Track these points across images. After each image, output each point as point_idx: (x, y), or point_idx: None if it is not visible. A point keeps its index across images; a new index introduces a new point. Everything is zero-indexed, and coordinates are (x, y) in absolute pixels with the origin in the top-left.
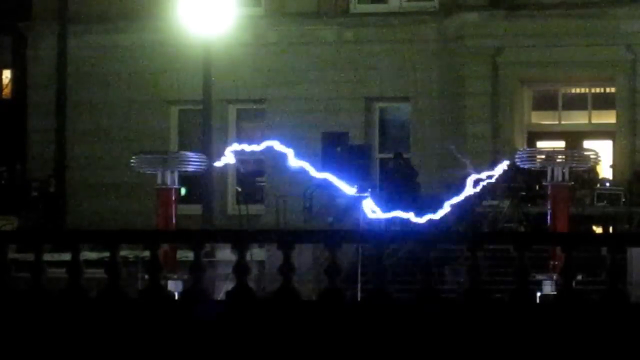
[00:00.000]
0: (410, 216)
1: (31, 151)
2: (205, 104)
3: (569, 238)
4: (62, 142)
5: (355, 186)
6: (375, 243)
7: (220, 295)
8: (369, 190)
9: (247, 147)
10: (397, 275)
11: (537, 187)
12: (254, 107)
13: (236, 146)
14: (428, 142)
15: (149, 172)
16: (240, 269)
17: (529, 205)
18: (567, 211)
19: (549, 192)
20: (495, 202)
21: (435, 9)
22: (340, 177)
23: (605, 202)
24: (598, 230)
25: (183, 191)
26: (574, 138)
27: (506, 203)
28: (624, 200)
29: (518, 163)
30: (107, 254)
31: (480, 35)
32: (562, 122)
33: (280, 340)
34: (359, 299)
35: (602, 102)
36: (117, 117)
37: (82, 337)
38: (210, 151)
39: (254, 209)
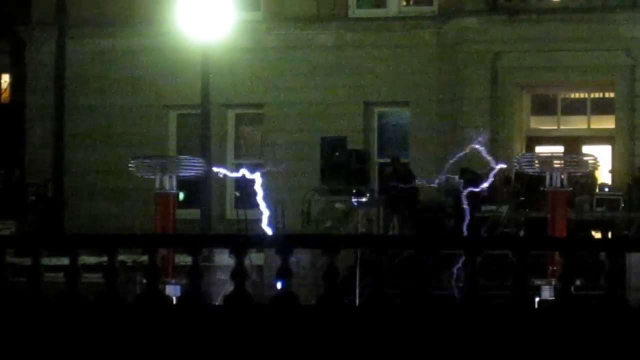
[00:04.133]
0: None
1: (29, 155)
2: (203, 108)
3: (568, 243)
4: (60, 147)
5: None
6: (373, 248)
7: (218, 300)
8: (367, 194)
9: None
10: (395, 280)
11: (536, 192)
12: (253, 111)
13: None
14: (427, 146)
15: (147, 176)
16: (238, 273)
17: (528, 210)
18: (566, 216)
19: (547, 197)
20: (494, 207)
21: (434, 13)
22: (339, 182)
23: (604, 207)
24: (597, 235)
25: (181, 196)
26: (573, 143)
27: (505, 208)
28: (623, 205)
29: (517, 168)
30: (105, 258)
31: (479, 40)
32: (561, 127)
33: (279, 345)
34: (357, 303)
35: (601, 107)
36: (116, 122)
37: (79, 341)
38: (209, 156)
39: (253, 213)
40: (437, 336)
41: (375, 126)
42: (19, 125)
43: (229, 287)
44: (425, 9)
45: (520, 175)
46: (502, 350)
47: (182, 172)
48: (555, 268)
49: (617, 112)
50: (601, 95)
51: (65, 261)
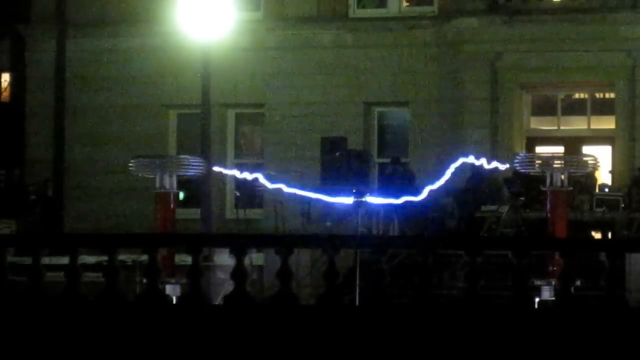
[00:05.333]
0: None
1: (29, 154)
2: (203, 108)
3: (568, 244)
4: (60, 146)
5: (354, 190)
6: (373, 248)
7: (218, 300)
8: (367, 194)
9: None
10: (395, 280)
11: (536, 192)
12: (253, 111)
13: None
14: (427, 147)
15: (147, 175)
16: (239, 273)
17: (528, 210)
18: (566, 216)
19: (547, 197)
20: (494, 207)
21: (434, 13)
22: (339, 182)
23: (604, 207)
24: (597, 235)
25: (181, 195)
26: (573, 143)
27: (505, 208)
28: (622, 205)
29: (517, 168)
30: (105, 257)
31: (480, 41)
32: (561, 128)
33: (278, 345)
34: (357, 303)
35: (602, 108)
36: (116, 121)
37: (80, 341)
38: (209, 155)
39: (253, 213)
40: (437, 336)
41: (375, 126)
42: (19, 124)
43: (229, 287)
44: (426, 9)
45: (520, 175)
46: (502, 350)
47: (182, 172)
48: (555, 268)
49: (617, 112)
50: (601, 95)
51: (65, 260)
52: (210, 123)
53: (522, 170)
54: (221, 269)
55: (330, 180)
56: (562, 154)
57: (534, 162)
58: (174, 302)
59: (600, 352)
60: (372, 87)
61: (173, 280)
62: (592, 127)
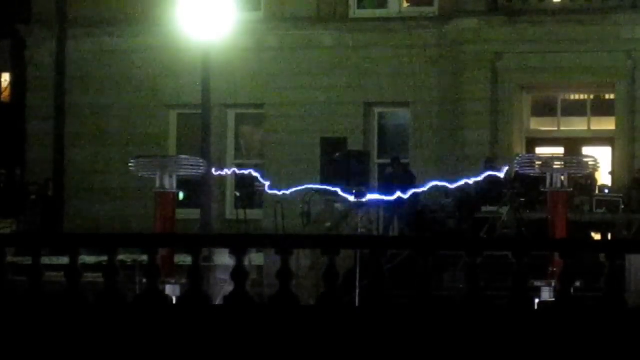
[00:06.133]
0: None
1: (30, 154)
2: (204, 108)
3: (568, 244)
4: (60, 146)
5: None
6: (373, 248)
7: (218, 300)
8: (367, 195)
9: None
10: (395, 280)
11: (536, 193)
12: (253, 111)
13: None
14: (427, 147)
15: (147, 176)
16: (238, 274)
17: (528, 211)
18: (566, 218)
19: (547, 198)
20: (494, 208)
21: (435, 14)
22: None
23: (604, 208)
24: (597, 237)
25: (181, 195)
26: (573, 144)
27: (505, 209)
28: (622, 207)
29: (517, 169)
30: (105, 258)
31: (480, 41)
32: (561, 129)
33: (278, 346)
34: (356, 304)
35: (602, 109)
36: (116, 121)
37: (79, 341)
38: (209, 155)
39: (253, 213)
40: (437, 337)
41: (376, 126)
42: (20, 124)
43: (229, 287)
44: (426, 9)
45: (520, 176)
46: (501, 351)
47: (182, 172)
48: (555, 269)
49: (617, 113)
50: (601, 96)
51: (65, 260)
52: (210, 123)
53: (522, 172)
54: (221, 269)
55: (330, 180)
56: (562, 155)
57: (534, 163)
58: (174, 302)
59: (600, 353)
60: (372, 88)
61: (173, 280)
62: (592, 128)
